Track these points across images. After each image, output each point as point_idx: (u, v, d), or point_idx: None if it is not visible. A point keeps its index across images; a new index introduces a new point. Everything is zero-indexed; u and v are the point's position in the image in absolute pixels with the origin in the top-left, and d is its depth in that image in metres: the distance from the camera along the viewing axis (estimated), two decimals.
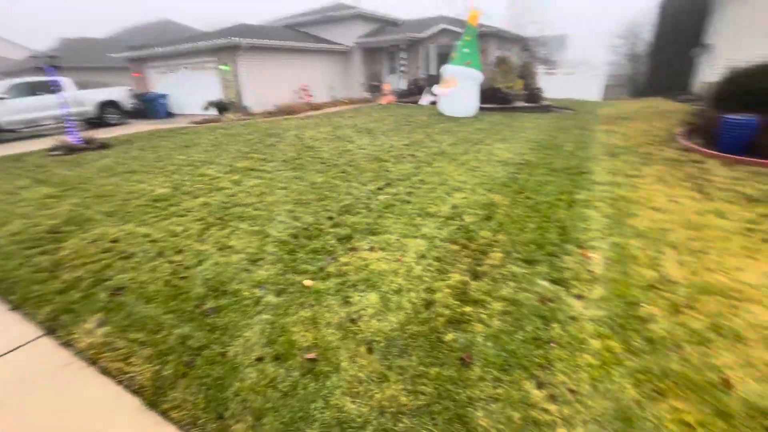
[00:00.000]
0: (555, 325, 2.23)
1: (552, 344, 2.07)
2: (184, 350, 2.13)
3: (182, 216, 4.19)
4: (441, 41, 18.76)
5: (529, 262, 2.98)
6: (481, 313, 2.37)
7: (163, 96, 15.73)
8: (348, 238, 3.49)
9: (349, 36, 19.59)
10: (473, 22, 11.72)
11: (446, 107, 12.26)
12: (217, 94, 15.08)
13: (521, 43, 17.94)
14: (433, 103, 15.11)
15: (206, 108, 14.33)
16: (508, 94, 14.91)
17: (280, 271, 2.94)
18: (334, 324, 2.30)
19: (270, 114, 14.32)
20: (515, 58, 18.73)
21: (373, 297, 2.55)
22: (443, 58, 18.59)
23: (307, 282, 2.76)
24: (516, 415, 1.65)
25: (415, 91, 17.82)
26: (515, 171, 5.64)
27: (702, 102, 10.73)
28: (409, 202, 4.40)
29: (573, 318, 2.29)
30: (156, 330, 2.31)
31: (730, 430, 1.57)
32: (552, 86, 21.17)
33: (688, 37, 18.68)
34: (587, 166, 5.81)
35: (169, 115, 15.84)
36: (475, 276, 2.80)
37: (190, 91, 16.05)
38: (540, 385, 1.81)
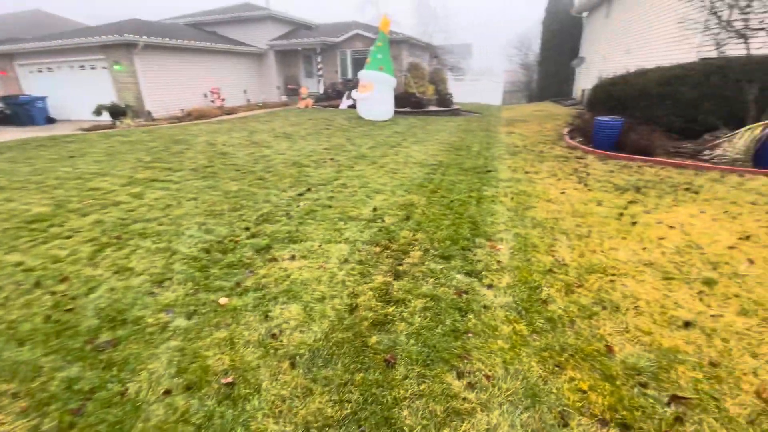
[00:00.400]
0: (471, 316, 2.38)
1: (469, 334, 2.21)
2: (70, 396, 1.82)
3: (68, 238, 3.62)
4: (356, 46, 18.99)
5: (446, 257, 3.14)
6: (404, 311, 2.43)
7: (41, 99, 13.44)
8: (267, 248, 3.33)
9: (261, 38, 18.82)
10: (385, 28, 12.07)
11: (365, 111, 12.43)
12: (110, 97, 13.35)
13: (431, 50, 18.99)
14: (352, 106, 15.23)
15: (98, 113, 12.59)
16: (422, 99, 15.64)
17: (190, 290, 2.69)
18: (253, 342, 2.17)
19: (177, 119, 13.13)
20: (426, 65, 19.74)
21: (295, 308, 2.46)
22: (359, 62, 18.85)
23: (222, 300, 2.57)
24: (439, 409, 1.72)
25: (333, 94, 17.76)
26: (430, 171, 5.92)
27: (581, 106, 12.43)
28: (330, 206, 4.36)
29: (486, 307, 2.47)
30: (32, 377, 1.95)
31: (614, 390, 1.82)
32: (460, 91, 22.74)
33: (568, 50, 21.51)
34: (493, 164, 6.34)
35: (50, 121, 13.59)
36: (397, 276, 2.86)
37: (76, 93, 13.98)
38: (460, 376, 1.91)
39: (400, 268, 2.98)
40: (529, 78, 30.32)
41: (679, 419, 1.67)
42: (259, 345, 2.14)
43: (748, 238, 3.36)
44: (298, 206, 4.39)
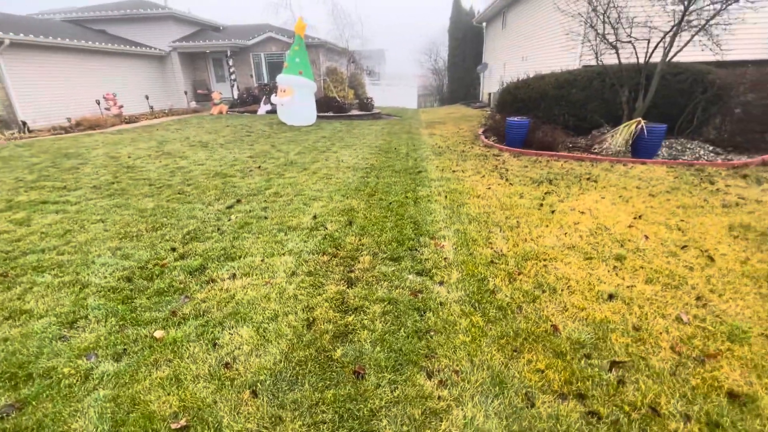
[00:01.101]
0: (429, 314, 2.42)
1: (431, 333, 2.25)
2: None
3: None
4: (270, 50, 18.33)
5: (395, 259, 3.17)
6: (364, 319, 2.39)
7: None
8: (201, 269, 3.03)
9: (161, 38, 17.13)
10: (301, 32, 11.83)
11: (286, 116, 12.04)
12: None
13: (348, 55, 19.11)
14: (272, 112, 14.64)
15: None
16: (344, 103, 15.66)
17: (114, 327, 2.32)
18: (203, 376, 1.94)
19: (64, 130, 11.32)
20: (344, 70, 19.83)
21: (246, 331, 2.27)
22: (275, 66, 18.23)
23: (158, 333, 2.26)
24: (416, 412, 1.72)
25: (249, 100, 16.89)
26: (364, 175, 5.94)
27: (490, 108, 13.55)
28: (266, 217, 4.12)
29: (442, 304, 2.54)
30: None
31: (566, 365, 2.00)
32: (378, 95, 23.32)
33: (473, 57, 23.36)
34: (422, 165, 6.58)
35: None
36: (351, 283, 2.81)
37: None
38: (430, 375, 1.93)
39: (352, 275, 2.92)
40: (440, 82, 32.23)
41: (621, 382, 1.89)
42: (211, 378, 1.93)
43: (640, 217, 3.96)
44: (230, 220, 4.07)
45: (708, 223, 3.74)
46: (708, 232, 3.55)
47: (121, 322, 2.37)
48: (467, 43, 23.82)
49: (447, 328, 2.30)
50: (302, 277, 2.88)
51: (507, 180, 5.47)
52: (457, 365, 2.00)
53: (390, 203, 4.57)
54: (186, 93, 18.14)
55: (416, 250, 3.34)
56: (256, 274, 2.94)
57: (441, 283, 2.81)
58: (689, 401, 1.79)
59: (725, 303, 2.50)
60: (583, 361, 2.03)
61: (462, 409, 1.74)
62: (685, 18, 6.44)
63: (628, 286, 2.72)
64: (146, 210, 4.38)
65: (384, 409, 1.74)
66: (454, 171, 6.11)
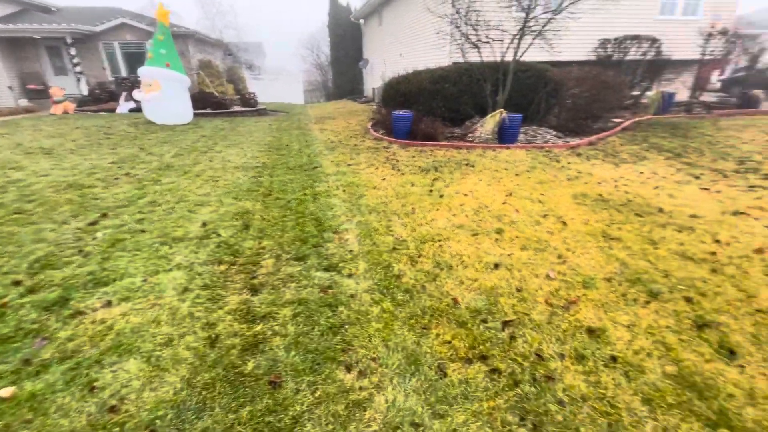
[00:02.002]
0: (342, 308, 2.43)
1: (345, 326, 2.26)
2: None
3: None
4: (124, 38, 15.81)
5: (300, 258, 3.09)
6: (274, 325, 2.28)
7: None
8: (63, 301, 2.50)
9: None
10: (164, 19, 10.44)
11: (156, 114, 10.57)
12: None
13: (223, 47, 17.62)
14: (136, 109, 12.71)
15: None
16: (224, 99, 14.45)
17: None
18: (80, 429, 1.62)
19: None
20: (220, 63, 18.25)
21: (134, 365, 1.96)
22: (133, 57, 15.82)
23: (5, 392, 1.80)
24: (339, 408, 1.72)
25: (104, 96, 14.33)
26: (256, 174, 5.61)
27: (376, 103, 14.04)
28: (143, 231, 3.59)
29: (353, 296, 2.57)
30: None
31: (468, 332, 2.23)
32: (261, 91, 22.18)
33: (354, 53, 23.80)
34: (316, 161, 6.50)
35: None
36: (255, 290, 2.64)
37: None
38: (349, 368, 1.95)
39: (256, 281, 2.75)
40: (324, 78, 32.02)
41: (513, 338, 2.19)
42: (94, 429, 1.62)
43: (511, 194, 4.59)
44: (95, 238, 3.43)
45: (559, 194, 4.53)
46: (560, 201, 4.31)
47: None
48: (348, 38, 24.10)
49: (360, 318, 2.34)
50: (197, 293, 2.60)
51: (399, 170, 5.77)
52: (374, 353, 2.06)
53: (288, 201, 4.41)
54: (10, 88, 14.50)
55: (321, 246, 3.30)
56: (139, 297, 2.55)
57: (349, 275, 2.84)
58: (562, 342, 2.17)
59: (578, 258, 3.08)
60: (481, 326, 2.29)
61: (383, 394, 1.80)
62: (527, 24, 7.60)
63: (508, 255, 3.14)
64: None
65: (306, 413, 1.70)
66: (349, 165, 6.18)
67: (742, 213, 3.97)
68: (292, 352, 2.05)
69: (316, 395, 1.79)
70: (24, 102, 14.77)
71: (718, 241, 3.35)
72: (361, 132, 9.62)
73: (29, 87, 15.10)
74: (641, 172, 5.47)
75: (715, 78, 13.82)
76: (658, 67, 10.51)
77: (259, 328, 2.25)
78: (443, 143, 7.55)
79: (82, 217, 3.91)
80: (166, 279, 2.77)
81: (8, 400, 1.76)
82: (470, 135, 8.08)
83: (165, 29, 10.49)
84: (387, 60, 16.82)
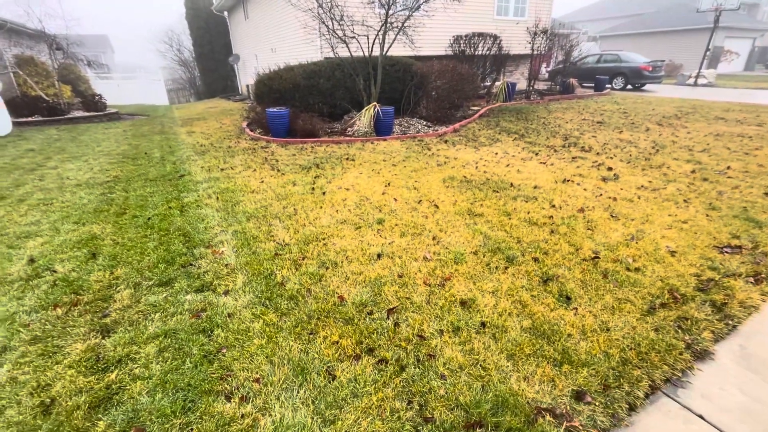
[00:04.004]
0: (218, 331, 2.21)
1: (223, 351, 2.06)
2: None
3: None
4: None
5: (165, 283, 2.71)
6: (134, 368, 1.95)
7: None
8: None
9: None
10: None
11: None
12: None
13: (48, 40, 14.35)
14: None
15: None
16: (58, 104, 11.89)
17: None
18: None
19: None
20: (47, 59, 14.87)
21: None
22: None
23: None
24: None
25: None
26: (106, 191, 4.75)
27: (251, 100, 13.21)
28: None
29: (231, 315, 2.36)
30: None
31: (354, 327, 2.24)
32: (113, 92, 18.93)
33: (222, 48, 21.92)
34: (184, 168, 5.82)
35: None
36: (106, 331, 2.22)
37: None
38: (229, 397, 1.78)
39: (107, 319, 2.32)
40: (191, 75, 28.81)
41: (397, 324, 2.28)
42: None
43: (389, 184, 4.79)
44: None
45: (431, 180, 4.90)
46: (432, 186, 4.66)
47: None
48: (212, 32, 22.00)
49: (240, 338, 2.16)
50: (22, 350, 2.08)
51: (278, 170, 5.52)
52: (257, 372, 1.93)
53: (149, 219, 3.84)
54: None
55: (191, 265, 2.95)
56: None
57: (226, 292, 2.60)
58: (440, 318, 2.34)
59: (449, 237, 3.37)
60: (367, 319, 2.33)
61: (269, 415, 1.70)
62: (388, 21, 7.96)
63: (389, 243, 3.27)
64: None
65: None
66: (222, 169, 5.67)
67: (568, 180, 4.85)
68: (158, 395, 1.78)
69: None
70: None
71: (553, 206, 4.03)
72: (236, 132, 8.93)
73: None
74: (496, 153, 6.27)
75: (544, 70, 16.64)
76: (502, 60, 12.14)
77: (113, 376, 1.90)
78: (324, 139, 7.49)
79: None
80: None
81: None
82: (349, 129, 8.18)
83: None
84: (259, 55, 15.90)
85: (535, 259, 3.00)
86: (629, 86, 15.85)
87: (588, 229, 3.53)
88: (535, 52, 12.07)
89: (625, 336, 2.20)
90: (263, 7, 13.85)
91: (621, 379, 1.91)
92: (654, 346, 2.12)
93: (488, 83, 12.48)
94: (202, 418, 1.68)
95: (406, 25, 8.12)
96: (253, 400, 1.76)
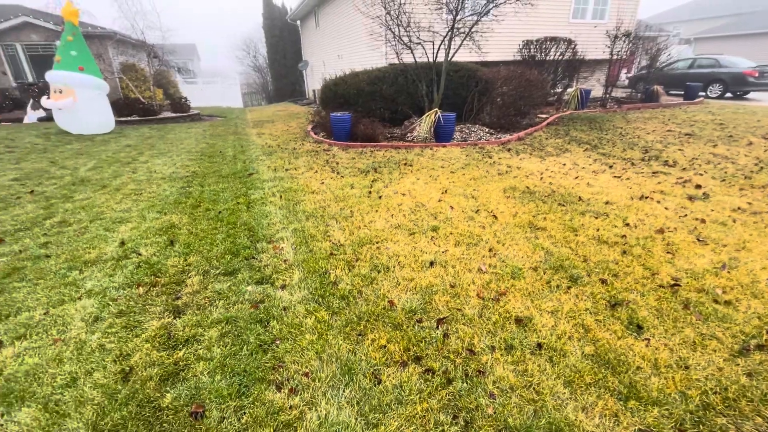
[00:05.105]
0: (273, 323, 2.33)
1: (277, 342, 2.16)
2: None
3: None
4: (29, 39, 14.11)
5: (230, 273, 2.92)
6: (198, 349, 2.12)
7: None
8: None
9: None
10: (72, 18, 9.42)
11: (71, 124, 9.52)
12: None
13: (148, 49, 16.33)
14: (46, 119, 11.39)
15: None
16: (152, 105, 13.41)
17: None
18: None
19: None
20: (146, 66, 16.90)
21: (27, 413, 1.71)
22: (41, 61, 14.16)
23: None
24: (268, 431, 1.63)
25: (6, 105, 12.66)
26: (185, 185, 5.25)
27: (316, 105, 13.83)
28: (49, 256, 3.19)
29: (286, 308, 2.47)
30: None
31: (403, 333, 2.23)
32: (196, 95, 20.92)
33: (293, 54, 23.27)
34: (253, 167, 6.23)
35: None
36: (178, 312, 2.44)
37: None
38: (279, 387, 1.86)
39: (179, 302, 2.55)
40: (264, 80, 30.95)
41: (446, 335, 2.22)
42: None
43: (446, 192, 4.72)
44: None
45: (491, 189, 4.74)
46: (491, 196, 4.50)
47: None
48: (285, 40, 23.49)
49: (293, 332, 2.25)
50: (110, 321, 2.35)
51: (338, 173, 5.70)
52: (307, 367, 1.99)
53: (219, 212, 4.16)
54: None
55: (254, 258, 3.15)
56: (38, 334, 2.25)
57: (283, 286, 2.73)
58: (493, 334, 2.25)
59: (507, 249, 3.23)
60: (416, 327, 2.30)
61: (315, 410, 1.74)
62: (455, 26, 7.88)
63: (443, 252, 3.21)
64: None
65: None
66: (287, 169, 5.99)
67: (646, 197, 4.41)
68: (218, 377, 1.92)
69: (243, 421, 1.68)
70: None
71: (627, 225, 3.69)
72: (301, 135, 9.40)
73: None
74: (564, 164, 5.89)
75: (624, 75, 15.35)
76: (575, 66, 11.43)
77: (181, 354, 2.08)
78: (383, 144, 7.60)
79: None
80: (73, 309, 2.48)
81: None
82: (409, 135, 8.21)
83: (74, 29, 9.48)
84: (326, 61, 16.62)
85: (603, 281, 2.76)
86: (728, 94, 14.06)
87: (668, 252, 3.17)
88: (615, 57, 11.19)
89: (708, 377, 1.93)
90: (333, 16, 14.46)
91: (701, 426, 1.68)
92: (745, 393, 1.84)
93: (559, 90, 11.82)
94: (254, 403, 1.77)
95: (473, 30, 7.98)
96: (301, 393, 1.82)
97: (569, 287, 2.70)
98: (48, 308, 2.49)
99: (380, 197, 4.55)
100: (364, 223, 3.81)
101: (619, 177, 5.22)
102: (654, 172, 5.36)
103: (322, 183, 5.20)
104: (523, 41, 11.28)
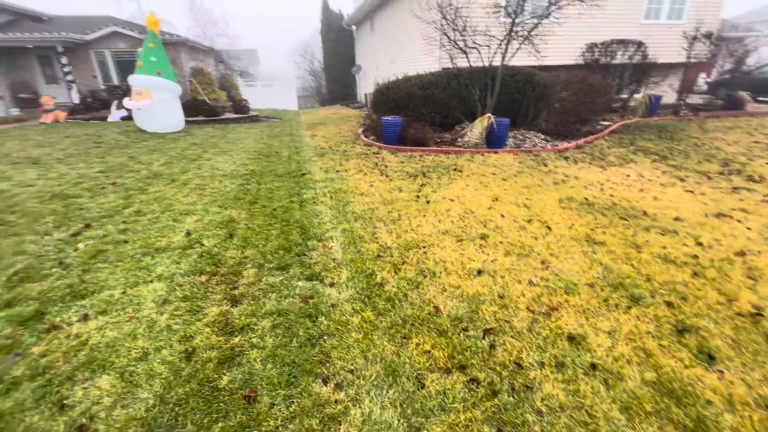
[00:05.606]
0: (321, 318, 2.41)
1: (324, 337, 2.24)
2: None
3: None
4: (117, 46, 15.78)
5: (283, 267, 3.06)
6: (252, 337, 2.25)
7: None
8: (38, 315, 2.46)
9: None
10: (154, 27, 10.43)
11: (147, 123, 10.52)
12: None
13: (215, 54, 17.62)
14: (127, 118, 12.67)
15: None
16: (216, 106, 14.43)
17: None
18: None
19: None
20: (212, 70, 18.24)
21: (107, 381, 1.92)
22: (125, 66, 15.78)
23: None
24: (314, 422, 1.70)
25: (95, 105, 14.27)
26: (244, 182, 5.58)
27: (368, 108, 14.08)
28: (127, 241, 3.55)
29: (333, 306, 2.55)
30: None
31: (448, 341, 2.21)
32: (255, 97, 22.16)
33: (347, 59, 23.88)
34: (305, 167, 6.49)
35: None
36: (234, 301, 2.61)
37: None
38: (326, 381, 1.93)
39: (236, 291, 2.72)
40: (318, 84, 32.07)
41: (492, 346, 2.17)
42: None
43: (497, 199, 4.60)
44: (76, 250, 3.39)
45: (545, 199, 4.55)
46: (545, 206, 4.32)
47: None
48: (341, 44, 24.19)
49: (340, 328, 2.32)
50: (176, 304, 2.57)
51: (387, 176, 5.76)
52: (352, 364, 2.04)
53: (274, 209, 4.39)
54: (2, 98, 14.39)
55: (305, 254, 3.28)
56: (117, 310, 2.51)
57: (331, 284, 2.82)
58: (542, 350, 2.16)
59: (561, 263, 3.08)
60: (462, 335, 2.27)
61: (359, 407, 1.78)
62: (513, 29, 7.67)
63: (491, 261, 3.13)
64: None
65: (281, 428, 1.67)
66: (337, 171, 6.17)
67: (725, 215, 4.00)
68: (269, 365, 2.02)
69: (291, 409, 1.76)
70: (15, 111, 14.66)
71: (700, 244, 3.37)
72: (351, 138, 9.62)
73: (20, 96, 14.99)
74: (627, 175, 5.51)
75: (702, 80, 14.01)
76: (645, 70, 10.63)
77: (236, 340, 2.23)
78: (433, 148, 7.56)
79: (65, 228, 3.87)
80: (146, 291, 2.74)
81: None
82: (459, 140, 8.10)
83: (155, 37, 10.48)
84: (379, 65, 16.89)
85: (669, 304, 2.55)
86: None
87: (749, 277, 2.86)
88: (692, 60, 10.27)
89: None
90: (388, 20, 14.67)
91: None
92: None
93: (625, 96, 11.06)
94: (301, 394, 1.85)
95: (532, 33, 7.72)
96: (346, 389, 1.87)
97: (629, 307, 2.53)
98: (125, 288, 2.77)
99: (428, 202, 4.54)
100: (411, 227, 3.83)
101: (692, 192, 4.78)
102: (735, 188, 4.85)
103: (371, 185, 5.29)
104: (586, 44, 10.72)
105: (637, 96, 10.79)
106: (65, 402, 1.81)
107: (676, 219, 3.92)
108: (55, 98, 13.77)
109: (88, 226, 3.95)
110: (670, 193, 4.75)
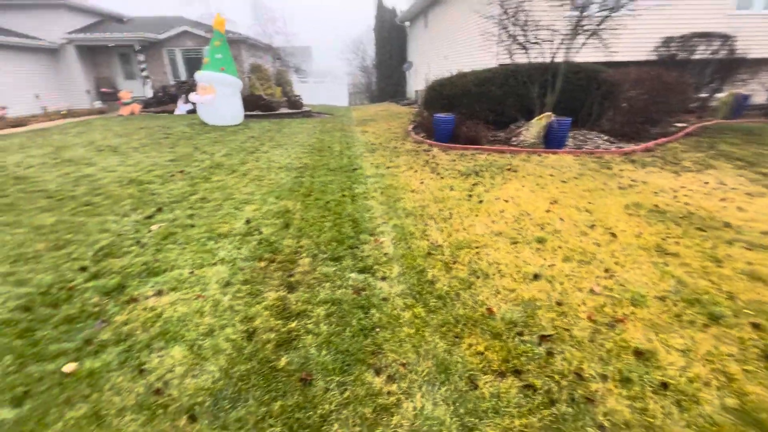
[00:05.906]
0: (374, 310, 2.44)
1: (377, 329, 2.27)
2: None
3: None
4: (186, 45, 16.99)
5: (336, 259, 3.14)
6: (308, 323, 2.33)
7: None
8: (120, 288, 2.72)
9: (53, 29, 14.97)
10: (220, 27, 11.10)
11: (209, 116, 11.25)
12: None
13: (272, 52, 18.40)
14: (192, 111, 13.60)
15: None
16: (272, 102, 15.07)
17: (11, 367, 1.99)
18: (130, 407, 1.75)
19: None
20: (269, 67, 19.06)
21: (178, 351, 2.09)
22: (192, 62, 16.95)
23: (69, 367, 1.99)
24: (367, 411, 1.73)
25: (165, 99, 15.49)
26: (298, 175, 5.78)
27: (418, 105, 13.99)
28: (193, 226, 3.82)
29: (385, 299, 2.57)
30: None
31: (502, 343, 2.15)
32: (307, 93, 22.87)
33: (398, 55, 23.88)
34: (357, 162, 6.59)
35: None
36: (291, 288, 2.72)
37: None
38: (378, 372, 1.95)
39: (292, 279, 2.84)
40: (369, 80, 32.40)
41: (550, 353, 2.08)
42: (141, 408, 1.75)
43: (555, 202, 4.38)
44: (150, 231, 3.70)
45: (609, 204, 4.26)
46: (610, 211, 4.05)
47: (19, 360, 2.04)
48: (393, 41, 24.24)
49: (391, 322, 2.33)
50: (238, 287, 2.73)
51: (438, 174, 5.70)
52: (404, 358, 2.05)
53: (327, 202, 4.50)
54: (88, 92, 16.08)
55: (356, 247, 3.34)
56: (186, 288, 2.72)
57: (383, 278, 2.84)
58: (605, 363, 2.03)
59: (627, 272, 2.87)
60: (516, 339, 2.20)
61: (411, 401, 1.79)
62: (580, 23, 7.22)
63: (549, 266, 3.00)
64: (45, 226, 3.81)
65: (335, 413, 1.72)
66: (388, 167, 6.20)
67: None
68: (324, 351, 2.09)
69: (345, 396, 1.81)
70: (98, 104, 16.32)
71: None
72: (401, 134, 9.63)
73: (102, 90, 16.65)
74: (706, 182, 5.00)
75: None
76: (731, 66, 9.56)
77: (293, 325, 2.32)
78: (486, 147, 7.36)
79: (141, 211, 4.24)
80: (210, 272, 2.93)
81: (71, 375, 1.94)
82: (514, 139, 7.81)
83: (221, 36, 11.14)
84: (431, 62, 16.71)
85: (755, 326, 2.29)
86: None
87: None
88: None
89: None
90: (444, 16, 14.45)
91: None
92: None
93: (705, 95, 10.04)
94: (355, 382, 1.89)
95: (601, 27, 7.23)
96: (398, 382, 1.89)
97: (707, 325, 2.30)
98: (193, 269, 2.99)
99: (481, 202, 4.43)
100: (463, 227, 3.76)
101: None
102: None
103: (422, 183, 5.26)
104: (662, 38, 9.85)
105: (720, 95, 9.76)
106: (144, 367, 1.99)
107: (766, 233, 3.50)
108: (132, 92, 15.13)
109: (159, 209, 4.30)
110: (758, 203, 4.25)
